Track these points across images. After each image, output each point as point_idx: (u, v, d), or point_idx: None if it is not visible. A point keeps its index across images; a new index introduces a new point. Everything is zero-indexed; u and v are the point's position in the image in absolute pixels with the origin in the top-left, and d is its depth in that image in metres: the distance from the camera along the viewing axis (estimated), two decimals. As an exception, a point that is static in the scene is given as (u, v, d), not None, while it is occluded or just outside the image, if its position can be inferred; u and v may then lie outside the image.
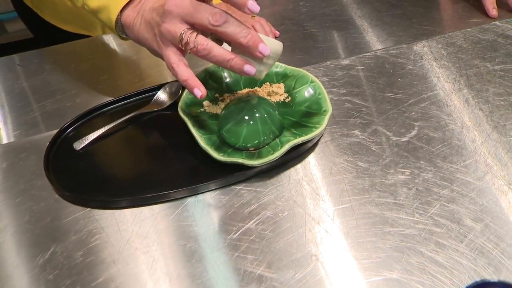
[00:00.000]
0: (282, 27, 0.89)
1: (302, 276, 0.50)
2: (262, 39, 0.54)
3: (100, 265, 0.52)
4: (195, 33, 0.53)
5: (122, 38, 0.64)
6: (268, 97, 0.66)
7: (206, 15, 0.52)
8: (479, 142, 0.64)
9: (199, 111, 0.65)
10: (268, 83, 0.68)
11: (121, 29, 0.62)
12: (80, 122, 0.67)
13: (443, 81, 0.74)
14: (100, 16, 0.62)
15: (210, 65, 0.68)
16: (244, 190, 0.59)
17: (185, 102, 0.64)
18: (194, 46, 0.53)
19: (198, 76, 0.67)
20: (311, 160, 0.62)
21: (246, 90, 0.68)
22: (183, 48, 0.55)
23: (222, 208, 0.57)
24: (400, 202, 0.57)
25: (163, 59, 0.58)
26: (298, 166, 0.61)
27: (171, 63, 0.55)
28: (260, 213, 0.56)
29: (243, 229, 0.55)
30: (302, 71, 0.68)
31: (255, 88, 0.68)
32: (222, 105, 0.65)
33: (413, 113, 0.68)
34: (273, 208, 0.56)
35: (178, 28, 0.53)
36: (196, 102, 0.65)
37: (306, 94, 0.66)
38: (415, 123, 0.67)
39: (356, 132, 0.65)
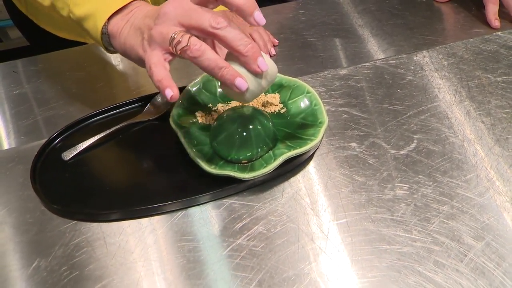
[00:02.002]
0: (281, 35, 0.88)
1: (294, 295, 0.48)
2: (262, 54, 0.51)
3: (85, 281, 0.50)
4: (188, 34, 0.49)
5: (107, 50, 0.61)
6: (263, 108, 0.64)
7: (207, 17, 0.49)
8: (480, 156, 0.62)
9: (191, 121, 0.63)
10: (263, 93, 0.66)
11: (107, 39, 0.58)
12: (69, 132, 0.65)
13: (444, 93, 0.72)
14: (85, 24, 0.59)
15: (203, 74, 0.67)
16: (236, 204, 0.57)
17: (177, 112, 0.63)
18: (187, 45, 0.49)
19: (192, 85, 0.66)
20: (306, 173, 0.60)
21: (240, 100, 0.66)
22: (173, 49, 0.50)
23: (213, 223, 0.55)
24: (397, 218, 0.55)
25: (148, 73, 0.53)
26: (292, 180, 0.59)
27: (150, 63, 0.51)
28: (252, 228, 0.54)
29: (233, 244, 0.53)
30: (298, 81, 0.66)
31: (250, 98, 0.66)
32: (215, 115, 0.63)
33: (413, 125, 0.66)
34: (266, 223, 0.54)
35: (170, 30, 0.49)
36: (188, 113, 0.64)
37: (302, 105, 0.64)
38: (414, 136, 0.65)
39: (353, 144, 0.63)
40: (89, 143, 0.61)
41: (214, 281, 0.49)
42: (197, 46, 0.49)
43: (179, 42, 0.49)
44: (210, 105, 0.66)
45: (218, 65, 0.49)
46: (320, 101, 0.63)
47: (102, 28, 0.57)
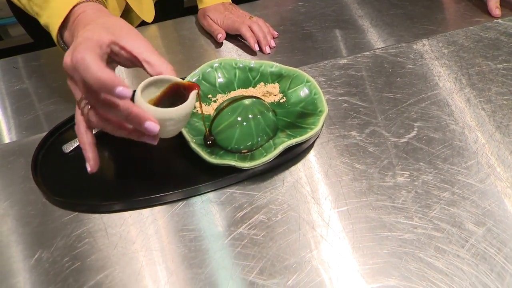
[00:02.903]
0: (281, 27, 0.88)
1: (295, 283, 0.48)
2: (146, 115, 0.47)
3: (87, 271, 0.50)
4: (87, 107, 0.49)
5: None
6: (263, 98, 0.64)
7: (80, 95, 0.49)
8: (481, 143, 0.62)
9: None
10: (262, 83, 0.66)
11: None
12: (70, 125, 0.65)
13: (444, 81, 0.72)
14: (51, 34, 0.58)
15: (203, 65, 0.67)
16: (236, 194, 0.57)
17: (177, 103, 0.63)
18: (88, 118, 0.49)
19: (191, 76, 0.66)
20: (307, 162, 0.60)
21: (240, 90, 0.66)
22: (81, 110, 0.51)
23: (213, 212, 0.55)
24: (398, 205, 0.55)
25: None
26: (293, 168, 0.59)
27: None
28: (253, 217, 0.54)
29: (235, 233, 0.53)
30: (297, 70, 0.66)
31: (249, 88, 0.66)
32: (215, 106, 0.63)
33: (413, 113, 0.66)
34: (267, 212, 0.55)
35: (77, 92, 0.50)
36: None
37: (302, 94, 0.64)
38: (414, 124, 0.64)
39: (354, 133, 0.63)
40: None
41: (215, 270, 0.50)
42: (93, 121, 0.49)
43: (83, 108, 0.50)
44: (210, 95, 0.66)
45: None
46: (320, 90, 0.63)
47: (60, 43, 0.57)
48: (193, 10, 0.95)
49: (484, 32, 0.82)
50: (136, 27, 0.93)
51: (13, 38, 2.21)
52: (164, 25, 0.91)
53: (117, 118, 0.48)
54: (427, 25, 0.87)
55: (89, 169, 0.52)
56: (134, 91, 0.48)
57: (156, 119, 0.47)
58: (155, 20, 0.92)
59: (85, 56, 0.45)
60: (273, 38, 0.84)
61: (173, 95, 0.51)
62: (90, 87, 0.46)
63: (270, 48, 0.81)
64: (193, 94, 0.50)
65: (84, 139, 0.51)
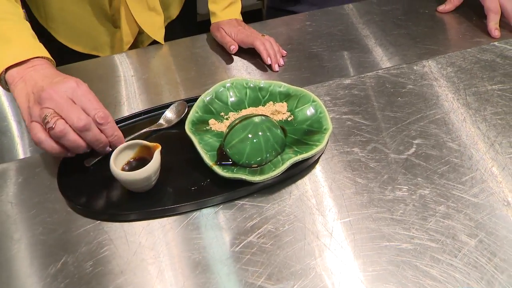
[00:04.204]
0: (289, 46, 0.92)
1: (301, 287, 0.52)
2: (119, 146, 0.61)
3: (109, 275, 0.55)
4: (57, 117, 0.57)
5: (7, 90, 0.67)
6: (272, 116, 0.69)
7: (72, 118, 0.57)
8: (475, 160, 0.66)
9: (205, 129, 0.67)
10: (271, 102, 0.71)
11: (4, 83, 0.65)
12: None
13: (442, 100, 0.76)
14: None
15: (216, 84, 0.71)
16: (247, 205, 0.61)
17: (191, 120, 0.67)
18: (52, 126, 0.57)
19: (205, 95, 0.71)
20: (312, 176, 0.64)
21: (251, 109, 0.71)
22: (45, 126, 0.58)
23: (226, 222, 0.59)
24: (397, 217, 0.59)
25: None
26: (299, 182, 0.64)
27: (33, 135, 0.59)
28: (262, 227, 0.58)
29: (245, 242, 0.57)
30: (304, 90, 0.70)
31: (259, 107, 0.71)
32: (227, 123, 0.68)
33: (412, 131, 0.70)
34: (274, 222, 0.59)
35: (45, 111, 0.57)
36: (202, 121, 0.68)
37: (308, 113, 0.68)
38: (413, 141, 0.69)
39: (356, 149, 0.68)
40: (109, 150, 0.66)
41: (227, 275, 0.54)
42: (60, 128, 0.57)
43: (48, 122, 0.57)
44: (222, 113, 0.70)
45: (78, 146, 0.60)
46: (325, 109, 0.67)
47: (0, 74, 0.63)
48: (206, 25, 0.99)
49: (481, 54, 0.86)
50: (148, 45, 0.99)
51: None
52: (176, 43, 0.96)
53: (94, 137, 0.60)
54: (429, 45, 0.91)
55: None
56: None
57: (127, 181, 0.59)
58: (168, 38, 0.97)
59: (88, 90, 0.61)
60: (282, 56, 0.89)
61: (144, 155, 0.63)
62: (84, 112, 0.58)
63: (278, 66, 0.86)
64: (156, 153, 0.60)
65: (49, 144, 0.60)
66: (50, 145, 0.59)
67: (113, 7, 0.91)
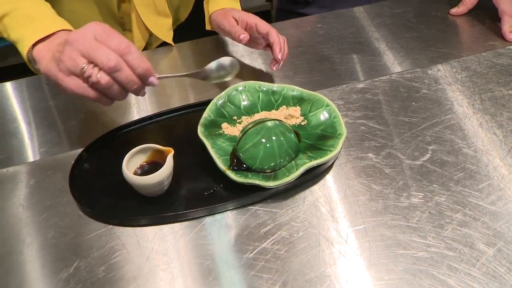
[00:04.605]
0: (300, 49, 0.92)
1: (316, 296, 0.52)
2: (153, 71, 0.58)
3: (121, 281, 0.54)
4: (97, 68, 0.55)
5: (36, 71, 0.66)
6: (285, 120, 0.68)
7: (102, 59, 0.55)
8: (492, 167, 0.65)
9: (217, 133, 0.67)
10: (284, 107, 0.70)
11: (33, 62, 0.64)
12: (105, 141, 0.70)
13: (457, 105, 0.75)
14: (17, 47, 0.64)
15: (228, 88, 0.71)
16: (260, 211, 0.60)
17: (204, 124, 0.67)
18: (98, 80, 0.55)
19: (217, 99, 0.70)
20: (326, 182, 0.64)
21: (263, 113, 0.70)
22: (84, 79, 0.56)
23: (239, 228, 0.59)
24: (413, 225, 0.58)
25: (68, 92, 0.59)
26: (313, 188, 0.63)
27: (71, 88, 0.57)
28: (276, 233, 0.58)
29: (259, 248, 0.56)
30: (317, 95, 0.70)
31: (272, 111, 0.70)
32: (240, 127, 0.67)
33: (427, 136, 0.69)
34: (288, 228, 0.58)
35: (79, 61, 0.55)
36: (214, 124, 0.68)
37: (322, 117, 0.68)
38: (429, 147, 0.68)
39: (371, 155, 0.67)
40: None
41: (240, 282, 0.53)
42: (106, 80, 0.56)
43: (90, 76, 0.55)
44: (235, 117, 0.70)
45: (132, 86, 0.58)
46: (339, 114, 0.66)
47: (27, 54, 0.63)
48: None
49: (496, 58, 0.85)
50: (157, 47, 0.98)
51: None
52: (186, 45, 0.96)
53: (126, 77, 0.57)
54: (441, 48, 0.91)
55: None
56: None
57: (139, 185, 0.59)
58: (177, 40, 0.97)
59: (109, 27, 0.58)
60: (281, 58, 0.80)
61: (157, 159, 0.62)
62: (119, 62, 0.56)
63: (276, 67, 0.79)
64: (169, 158, 0.60)
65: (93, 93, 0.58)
66: (99, 96, 0.58)
67: (121, 10, 0.91)
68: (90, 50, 0.55)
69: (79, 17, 0.93)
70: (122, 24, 0.94)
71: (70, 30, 0.64)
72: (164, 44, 0.96)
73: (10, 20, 0.65)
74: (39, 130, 0.76)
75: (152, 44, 1.00)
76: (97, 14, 0.91)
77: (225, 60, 0.71)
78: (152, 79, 0.59)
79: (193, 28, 1.11)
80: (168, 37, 0.95)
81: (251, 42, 0.82)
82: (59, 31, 0.63)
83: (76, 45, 0.55)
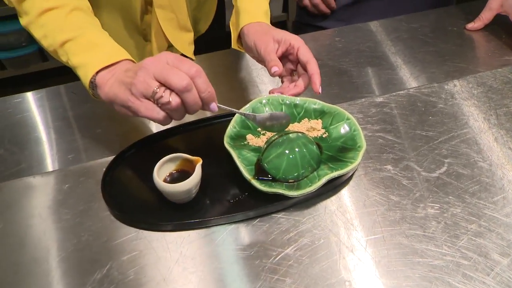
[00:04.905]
0: (319, 62, 0.92)
1: (336, 300, 0.54)
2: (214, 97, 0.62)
3: (151, 282, 0.58)
4: (168, 90, 0.59)
5: (93, 96, 0.69)
6: (307, 133, 0.71)
7: (175, 80, 0.58)
8: (507, 180, 0.67)
9: (242, 143, 0.70)
10: (306, 119, 0.73)
11: (93, 87, 0.67)
12: (134, 149, 0.73)
13: (473, 120, 0.78)
14: (78, 71, 0.67)
15: (253, 101, 0.74)
16: (283, 219, 0.63)
17: (229, 135, 0.70)
18: (169, 101, 0.59)
19: (243, 110, 0.73)
20: (346, 192, 0.67)
21: (287, 125, 0.73)
22: (155, 101, 0.60)
23: (263, 235, 0.62)
24: (429, 234, 0.61)
25: (131, 114, 0.63)
26: (334, 197, 0.66)
27: (140, 111, 0.61)
28: (298, 240, 0.61)
29: (282, 254, 0.59)
30: (338, 108, 0.73)
31: (295, 123, 0.73)
32: (264, 138, 0.71)
33: (443, 150, 0.72)
34: (310, 236, 0.61)
35: (151, 83, 0.59)
36: (239, 136, 0.71)
37: (342, 130, 0.71)
38: (445, 160, 0.70)
39: (389, 167, 0.70)
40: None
41: (265, 285, 0.56)
42: (177, 102, 0.60)
43: (161, 96, 0.59)
44: (259, 129, 0.73)
45: (195, 109, 0.62)
46: (359, 127, 0.69)
47: (91, 78, 0.66)
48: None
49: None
50: None
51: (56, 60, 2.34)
52: (207, 57, 0.99)
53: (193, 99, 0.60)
54: (458, 63, 0.93)
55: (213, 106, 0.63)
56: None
57: (169, 192, 0.62)
58: (197, 51, 0.99)
59: (177, 54, 0.61)
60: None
61: (186, 167, 0.66)
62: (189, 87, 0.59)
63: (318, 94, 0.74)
64: (198, 167, 0.63)
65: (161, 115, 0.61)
66: (165, 118, 0.62)
67: (144, 21, 0.94)
68: (164, 72, 0.59)
69: (104, 27, 0.96)
70: (145, 36, 0.98)
71: (132, 60, 0.68)
72: (183, 55, 0.99)
73: (73, 45, 0.67)
74: (64, 139, 0.79)
75: None
76: (121, 25, 0.94)
77: (279, 114, 0.69)
78: (213, 104, 0.63)
79: (213, 38, 1.14)
80: (189, 51, 0.98)
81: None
82: (122, 60, 0.67)
83: (150, 69, 0.59)
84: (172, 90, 0.59)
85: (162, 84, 0.59)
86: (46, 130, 0.82)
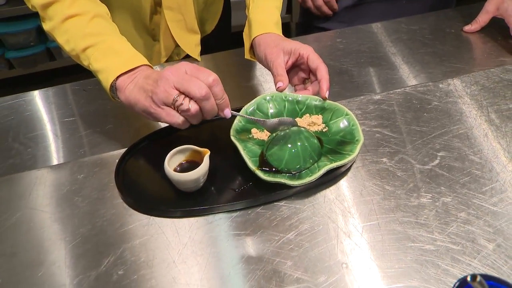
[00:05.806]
0: (321, 62, 0.98)
1: (333, 280, 0.59)
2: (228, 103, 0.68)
3: (162, 264, 0.62)
4: (188, 98, 0.65)
5: (113, 99, 0.74)
6: (308, 127, 0.76)
7: (194, 89, 0.63)
8: (495, 172, 0.71)
9: (247, 137, 0.75)
10: (308, 115, 0.78)
11: (114, 91, 0.71)
12: (145, 142, 0.78)
13: (466, 117, 0.82)
14: (99, 75, 0.71)
15: (257, 97, 0.78)
16: (285, 207, 0.68)
17: (235, 129, 0.75)
18: (188, 108, 0.64)
19: (248, 107, 0.77)
20: (344, 182, 0.71)
21: (289, 120, 0.77)
22: (175, 108, 0.65)
23: (266, 221, 0.66)
24: (421, 221, 0.65)
25: (152, 119, 0.68)
26: (333, 187, 0.70)
27: (161, 116, 0.66)
28: (299, 226, 0.65)
29: (283, 239, 0.64)
30: (338, 105, 0.77)
31: (296, 118, 0.77)
32: (268, 132, 0.75)
33: (437, 144, 0.76)
34: (310, 222, 0.65)
35: (172, 92, 0.64)
36: (245, 129, 0.76)
37: (341, 125, 0.75)
38: (438, 153, 0.75)
39: (385, 159, 0.74)
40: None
41: (268, 267, 0.61)
42: (196, 109, 0.65)
43: (181, 104, 0.64)
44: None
45: (212, 115, 0.67)
46: (357, 122, 0.74)
47: (112, 82, 0.70)
48: (239, 36, 0.94)
49: (504, 74, 0.92)
50: (182, 59, 1.05)
51: (65, 58, 2.38)
52: (212, 57, 1.03)
53: (211, 106, 0.66)
54: (455, 64, 0.97)
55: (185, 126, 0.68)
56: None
57: (179, 181, 0.67)
58: (203, 51, 1.03)
59: (195, 64, 0.67)
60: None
61: (195, 158, 0.70)
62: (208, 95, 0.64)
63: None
64: (206, 158, 0.67)
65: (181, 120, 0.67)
66: (184, 122, 0.67)
67: (153, 21, 0.98)
68: (184, 82, 0.64)
69: None
70: (153, 36, 1.01)
71: (150, 66, 0.73)
72: (188, 55, 1.03)
73: (95, 51, 0.72)
74: (76, 134, 0.84)
75: (179, 54, 1.05)
76: (131, 25, 0.98)
77: (287, 119, 0.74)
78: (227, 110, 0.68)
79: (219, 39, 1.18)
80: (195, 52, 1.02)
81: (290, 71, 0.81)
82: (141, 65, 0.71)
83: (170, 78, 0.64)
84: (191, 98, 0.64)
85: (181, 92, 0.64)
86: (59, 126, 0.86)
